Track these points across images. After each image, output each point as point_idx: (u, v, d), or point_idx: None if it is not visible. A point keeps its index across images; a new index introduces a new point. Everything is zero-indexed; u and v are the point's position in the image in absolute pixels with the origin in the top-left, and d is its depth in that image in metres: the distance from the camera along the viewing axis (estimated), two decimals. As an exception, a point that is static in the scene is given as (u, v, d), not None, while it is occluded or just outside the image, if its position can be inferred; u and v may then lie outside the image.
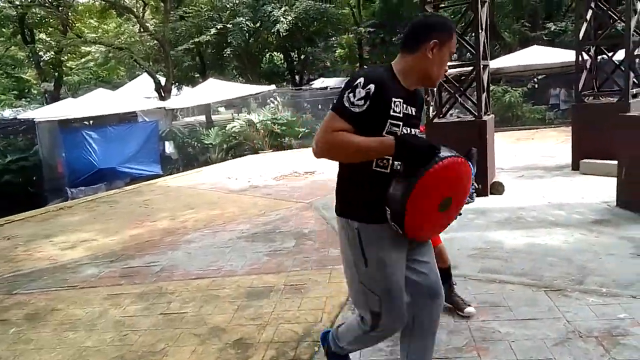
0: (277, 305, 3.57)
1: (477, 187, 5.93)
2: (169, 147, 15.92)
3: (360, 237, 1.97)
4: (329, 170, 9.74)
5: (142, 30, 21.85)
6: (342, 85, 1.91)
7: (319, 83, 26.70)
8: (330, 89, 23.93)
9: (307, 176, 9.49)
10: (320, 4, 21.56)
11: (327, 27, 23.82)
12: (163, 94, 19.93)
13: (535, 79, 15.83)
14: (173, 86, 22.37)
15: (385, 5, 24.46)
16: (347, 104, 1.81)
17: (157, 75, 21.00)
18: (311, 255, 4.59)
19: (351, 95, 1.81)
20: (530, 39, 22.97)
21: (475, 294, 3.42)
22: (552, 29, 23.74)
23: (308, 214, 6.27)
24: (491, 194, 6.16)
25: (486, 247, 4.37)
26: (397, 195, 1.83)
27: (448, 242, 4.54)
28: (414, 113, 1.98)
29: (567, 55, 16.49)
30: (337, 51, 28.35)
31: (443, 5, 6.63)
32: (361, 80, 1.81)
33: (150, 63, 22.78)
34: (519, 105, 15.77)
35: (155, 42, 21.13)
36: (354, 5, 26.43)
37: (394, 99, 1.86)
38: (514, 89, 15.93)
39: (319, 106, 19.87)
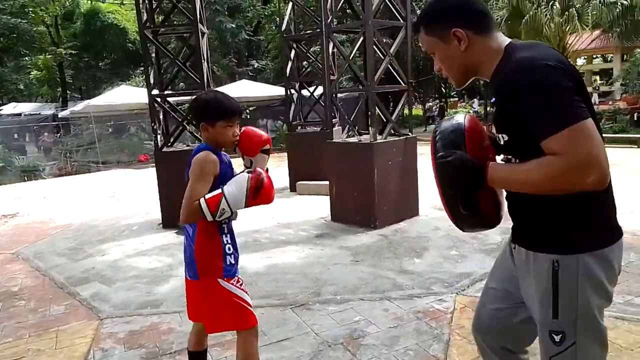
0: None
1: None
2: None
3: None
4: (34, 211, 8.23)
5: None
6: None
7: (10, 108, 22.61)
8: (26, 115, 20.57)
9: (6, 220, 7.76)
10: (9, 18, 18.41)
11: (17, 45, 20.49)
12: None
13: (247, 110, 17.14)
14: None
15: (88, 27, 22.64)
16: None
17: None
18: (27, 319, 3.69)
19: None
20: (238, 74, 24.93)
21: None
22: (255, 66, 26.34)
23: (15, 267, 5.09)
24: (225, 220, 6.24)
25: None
26: None
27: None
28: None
29: (271, 90, 18.56)
30: (32, 73, 24.63)
31: (162, 31, 6.46)
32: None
33: None
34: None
35: None
36: (51, 24, 23.56)
37: None
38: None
39: (15, 135, 16.77)
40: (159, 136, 6.08)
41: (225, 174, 2.04)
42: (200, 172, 1.97)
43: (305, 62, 8.63)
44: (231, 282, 2.09)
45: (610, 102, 19.37)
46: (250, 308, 2.12)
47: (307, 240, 5.33)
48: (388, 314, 3.35)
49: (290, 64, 8.29)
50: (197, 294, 2.13)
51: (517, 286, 1.56)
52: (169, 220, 5.99)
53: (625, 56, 21.61)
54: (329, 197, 6.10)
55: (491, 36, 1.43)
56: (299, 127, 8.59)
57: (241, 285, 2.13)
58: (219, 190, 1.94)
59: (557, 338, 1.40)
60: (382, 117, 5.81)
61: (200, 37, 5.87)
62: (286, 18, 8.50)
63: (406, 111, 9.41)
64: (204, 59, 5.96)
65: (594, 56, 26.54)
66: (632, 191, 6.46)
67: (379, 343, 2.94)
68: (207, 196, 1.93)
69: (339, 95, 7.56)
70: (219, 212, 1.93)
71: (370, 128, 5.47)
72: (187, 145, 6.35)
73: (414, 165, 5.84)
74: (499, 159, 1.50)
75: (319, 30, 7.42)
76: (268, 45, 30.18)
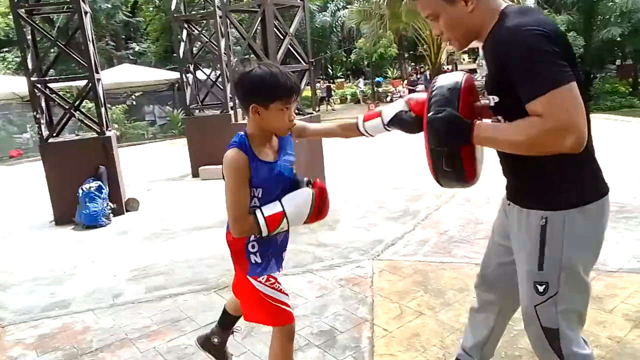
0: None
1: (112, 207, 5.60)
2: None
3: None
4: None
5: None
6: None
7: None
8: None
9: None
10: None
11: None
12: None
13: (133, 96, 16.14)
14: None
15: None
16: None
17: None
18: None
19: None
20: (116, 58, 23.29)
21: (150, 316, 3.22)
22: (136, 49, 24.79)
23: None
24: (127, 211, 5.91)
25: (144, 265, 4.18)
26: None
27: (99, 271, 4.13)
28: None
29: (156, 74, 17.62)
30: None
31: (38, 11, 5.83)
32: None
33: None
34: (122, 122, 15.76)
35: None
36: None
37: None
38: (115, 106, 15.80)
39: None
40: (42, 126, 5.53)
41: (257, 170, 1.75)
42: (235, 178, 1.71)
43: (198, 43, 8.32)
44: (258, 279, 1.87)
45: (479, 78, 21.34)
46: (282, 307, 1.91)
47: (220, 223, 5.19)
48: (313, 285, 3.47)
49: (182, 45, 7.96)
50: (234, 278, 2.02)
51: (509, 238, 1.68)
52: (64, 217, 5.53)
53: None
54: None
55: None
56: (197, 111, 8.32)
57: (272, 284, 1.89)
58: (280, 209, 1.73)
59: (540, 288, 1.50)
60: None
61: (83, 15, 5.41)
62: (174, -4, 8.09)
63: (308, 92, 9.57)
64: (89, 40, 5.50)
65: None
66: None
67: (309, 313, 3.05)
68: (266, 213, 1.72)
69: (236, 76, 7.42)
70: (278, 231, 1.77)
71: (274, 108, 5.48)
72: (77, 135, 5.87)
73: (319, 142, 5.98)
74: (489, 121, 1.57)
75: (211, 9, 7.20)
76: (147, 27, 28.48)
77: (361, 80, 28.23)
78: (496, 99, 1.49)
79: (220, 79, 7.86)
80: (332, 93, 25.03)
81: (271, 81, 1.67)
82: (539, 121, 1.27)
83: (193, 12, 8.15)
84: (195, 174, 7.83)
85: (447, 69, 27.51)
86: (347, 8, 21.34)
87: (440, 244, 4.08)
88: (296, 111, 5.69)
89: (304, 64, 5.57)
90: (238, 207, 1.72)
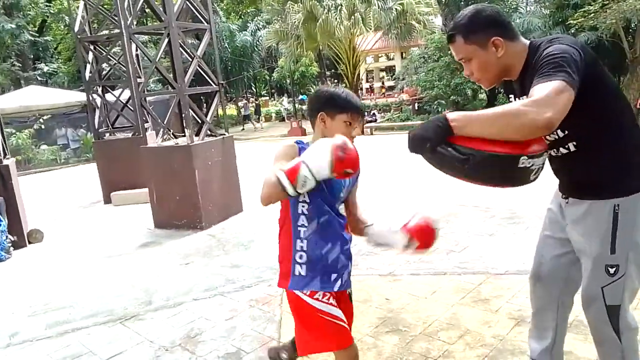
0: None
1: (13, 239, 5.27)
2: None
3: None
4: None
5: None
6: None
7: None
8: None
9: None
10: None
11: None
12: None
13: (42, 119, 15.22)
14: None
15: None
16: None
17: None
18: None
19: None
20: (23, 79, 21.90)
21: (50, 353, 3.06)
22: (45, 70, 23.47)
23: None
24: (30, 243, 5.57)
25: (46, 299, 3.96)
26: None
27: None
28: None
29: (67, 96, 16.76)
30: None
31: None
32: None
33: None
34: (29, 147, 14.81)
35: None
36: None
37: None
38: (20, 131, 14.82)
39: None
40: None
41: None
42: (279, 154, 1.79)
43: (105, 65, 8.06)
44: (313, 296, 1.78)
45: (396, 95, 22.32)
46: (342, 324, 1.80)
47: (132, 251, 5.10)
48: (223, 307, 3.46)
49: (88, 67, 7.68)
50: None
51: (564, 231, 1.83)
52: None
53: (403, 54, 25.06)
54: (149, 204, 5.90)
55: (519, 40, 1.66)
56: (107, 134, 8.03)
57: (328, 299, 1.79)
58: (297, 160, 1.64)
59: (612, 270, 1.67)
60: (197, 118, 5.83)
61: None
62: (78, 18, 7.80)
63: (220, 112, 9.53)
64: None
65: (380, 55, 30.12)
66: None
67: (217, 336, 3.04)
68: (285, 168, 1.63)
69: (148, 98, 7.29)
70: (300, 183, 1.60)
71: (185, 130, 5.45)
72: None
73: (233, 163, 6.00)
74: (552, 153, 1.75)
75: (117, 30, 7.03)
76: (57, 46, 27.05)
77: (285, 98, 28.50)
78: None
79: (130, 101, 7.65)
80: (260, 110, 25.02)
81: (343, 96, 1.83)
82: (525, 102, 1.43)
83: (99, 34, 7.89)
84: (107, 200, 7.51)
85: (366, 87, 28.53)
86: (266, 27, 21.56)
87: (349, 257, 4.22)
88: (208, 132, 5.71)
89: (214, 85, 5.59)
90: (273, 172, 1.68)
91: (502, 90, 1.90)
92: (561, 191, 1.85)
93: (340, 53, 17.15)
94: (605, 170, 1.66)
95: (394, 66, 28.53)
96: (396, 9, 15.86)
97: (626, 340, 1.74)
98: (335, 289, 1.82)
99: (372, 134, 15.38)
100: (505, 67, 1.67)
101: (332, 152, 1.58)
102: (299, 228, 1.80)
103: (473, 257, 3.94)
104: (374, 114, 18.33)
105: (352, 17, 15.42)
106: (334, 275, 1.82)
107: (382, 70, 32.27)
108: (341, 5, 15.59)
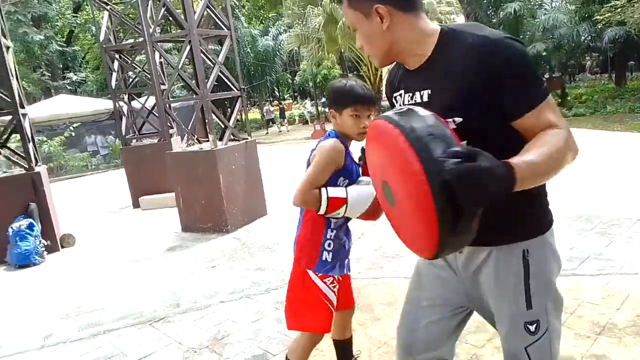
0: None
1: (46, 244, 5.43)
2: None
3: None
4: None
5: None
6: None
7: None
8: None
9: None
10: None
11: None
12: None
13: (71, 127, 15.66)
14: None
15: None
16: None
17: None
18: None
19: None
20: (53, 88, 22.57)
21: (82, 354, 3.15)
22: (73, 79, 24.12)
23: None
24: (62, 247, 5.73)
25: (78, 302, 4.07)
26: None
27: (29, 311, 3.98)
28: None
29: (96, 104, 17.20)
30: None
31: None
32: None
33: None
34: (60, 154, 15.25)
35: None
36: None
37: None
38: (52, 139, 15.28)
39: None
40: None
41: (347, 168, 1.94)
42: (326, 160, 1.87)
43: (131, 73, 8.25)
44: (323, 279, 1.98)
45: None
46: (333, 311, 2.03)
47: (160, 254, 5.19)
48: (249, 310, 3.49)
49: (114, 75, 7.87)
50: (289, 282, 2.07)
51: (455, 291, 1.49)
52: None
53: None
54: (176, 208, 6.00)
55: (418, 16, 1.32)
56: (134, 141, 8.21)
57: (334, 287, 2.01)
58: (344, 195, 1.86)
59: (532, 328, 1.35)
60: (220, 123, 5.91)
61: (5, 51, 5.27)
62: (103, 28, 8.01)
63: (243, 116, 9.65)
64: (12, 76, 5.37)
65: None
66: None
67: (244, 338, 3.07)
68: (331, 194, 1.84)
69: (173, 104, 7.43)
70: (334, 214, 1.88)
71: (209, 135, 5.53)
72: (4, 172, 5.66)
73: (256, 166, 6.05)
74: None
75: (141, 39, 7.18)
76: (85, 55, 27.78)
77: (307, 101, 28.59)
78: (459, 119, 1.26)
79: (156, 108, 7.81)
80: (285, 114, 25.19)
81: (344, 90, 1.92)
82: (561, 132, 1.19)
83: (124, 43, 8.08)
84: (135, 205, 7.68)
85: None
86: (287, 32, 21.69)
87: (374, 260, 4.21)
88: (231, 136, 5.78)
89: (236, 90, 5.65)
90: (311, 182, 1.86)
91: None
92: None
93: (362, 55, 17.12)
94: (512, 206, 1.19)
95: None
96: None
97: None
98: (345, 271, 2.07)
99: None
100: (395, 43, 1.33)
101: (368, 208, 1.84)
102: (331, 218, 1.96)
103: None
104: (396, 113, 18.16)
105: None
106: (346, 261, 2.08)
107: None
108: (362, 6, 15.53)
